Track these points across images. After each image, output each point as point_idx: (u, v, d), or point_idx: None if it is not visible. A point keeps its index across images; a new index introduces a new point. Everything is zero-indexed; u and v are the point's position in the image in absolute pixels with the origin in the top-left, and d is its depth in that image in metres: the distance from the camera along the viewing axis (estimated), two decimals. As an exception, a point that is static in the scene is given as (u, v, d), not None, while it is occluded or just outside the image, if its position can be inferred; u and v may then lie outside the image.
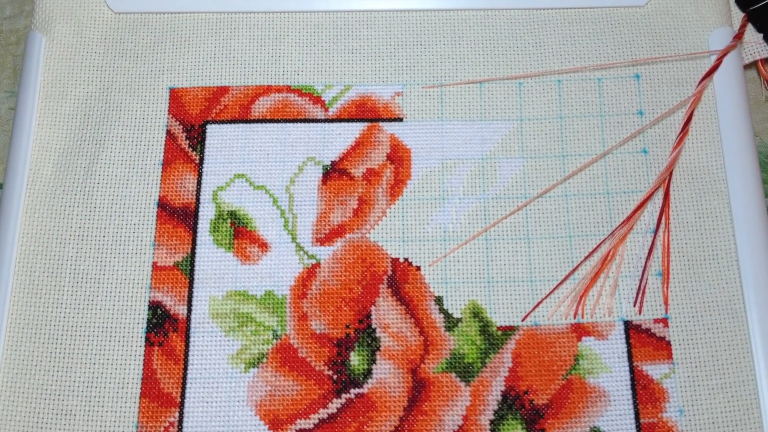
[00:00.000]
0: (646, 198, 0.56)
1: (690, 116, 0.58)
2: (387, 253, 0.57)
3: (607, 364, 0.54)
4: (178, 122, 0.60)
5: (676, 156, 0.57)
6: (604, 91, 0.60)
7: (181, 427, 0.53)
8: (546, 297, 0.55)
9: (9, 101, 0.65)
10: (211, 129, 0.59)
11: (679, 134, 0.57)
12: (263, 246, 0.57)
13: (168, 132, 0.59)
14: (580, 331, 0.55)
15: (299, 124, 0.60)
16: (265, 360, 0.54)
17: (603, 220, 0.57)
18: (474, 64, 0.61)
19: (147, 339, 0.55)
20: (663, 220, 0.56)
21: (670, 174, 0.57)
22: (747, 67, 0.62)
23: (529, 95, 0.60)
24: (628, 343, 0.54)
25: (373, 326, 0.55)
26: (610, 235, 0.56)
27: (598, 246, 0.56)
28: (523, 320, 0.55)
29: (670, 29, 0.61)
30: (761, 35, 0.61)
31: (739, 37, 0.59)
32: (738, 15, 0.61)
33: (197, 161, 0.59)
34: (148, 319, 0.55)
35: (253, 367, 0.54)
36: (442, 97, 0.60)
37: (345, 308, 0.55)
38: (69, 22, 0.62)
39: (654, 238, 0.56)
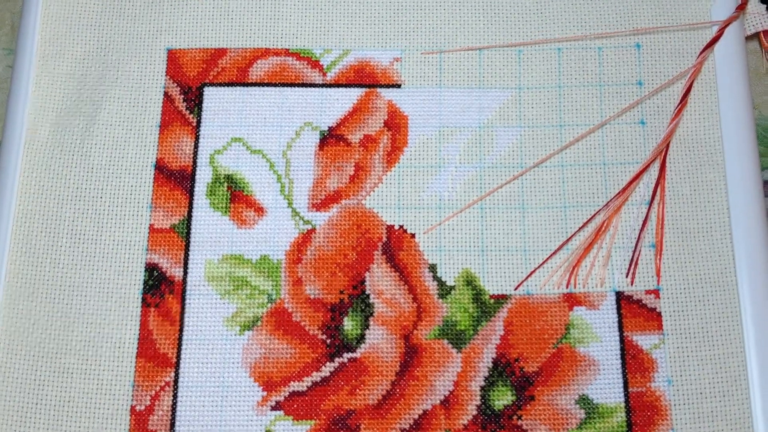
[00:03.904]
0: (642, 169, 0.56)
1: (689, 88, 0.57)
2: (382, 220, 0.57)
3: (597, 334, 0.54)
4: (175, 84, 0.59)
5: (674, 128, 0.57)
6: (605, 61, 0.60)
7: (177, 387, 0.54)
8: (539, 266, 0.56)
9: (7, 59, 0.65)
10: (208, 92, 0.59)
11: (678, 106, 0.57)
12: (259, 210, 0.57)
13: (165, 94, 0.59)
14: (571, 300, 0.55)
15: (297, 89, 0.59)
16: (259, 323, 0.55)
17: (598, 190, 0.57)
18: (474, 31, 0.60)
19: (143, 300, 0.55)
20: (658, 192, 0.56)
21: (667, 146, 0.57)
22: (749, 38, 0.61)
23: (529, 63, 0.60)
24: (619, 314, 0.55)
25: (367, 292, 0.55)
26: (605, 206, 0.56)
27: (593, 216, 0.56)
28: (515, 289, 0.55)
29: (672, -2, 0.61)
30: (764, 6, 0.60)
31: (741, 7, 0.59)
32: (742, -15, 0.61)
33: (194, 124, 0.59)
34: (144, 280, 0.56)
35: (248, 330, 0.55)
36: (440, 64, 0.60)
37: (339, 274, 0.56)
38: (67, -20, 0.61)
39: (649, 209, 0.56)
